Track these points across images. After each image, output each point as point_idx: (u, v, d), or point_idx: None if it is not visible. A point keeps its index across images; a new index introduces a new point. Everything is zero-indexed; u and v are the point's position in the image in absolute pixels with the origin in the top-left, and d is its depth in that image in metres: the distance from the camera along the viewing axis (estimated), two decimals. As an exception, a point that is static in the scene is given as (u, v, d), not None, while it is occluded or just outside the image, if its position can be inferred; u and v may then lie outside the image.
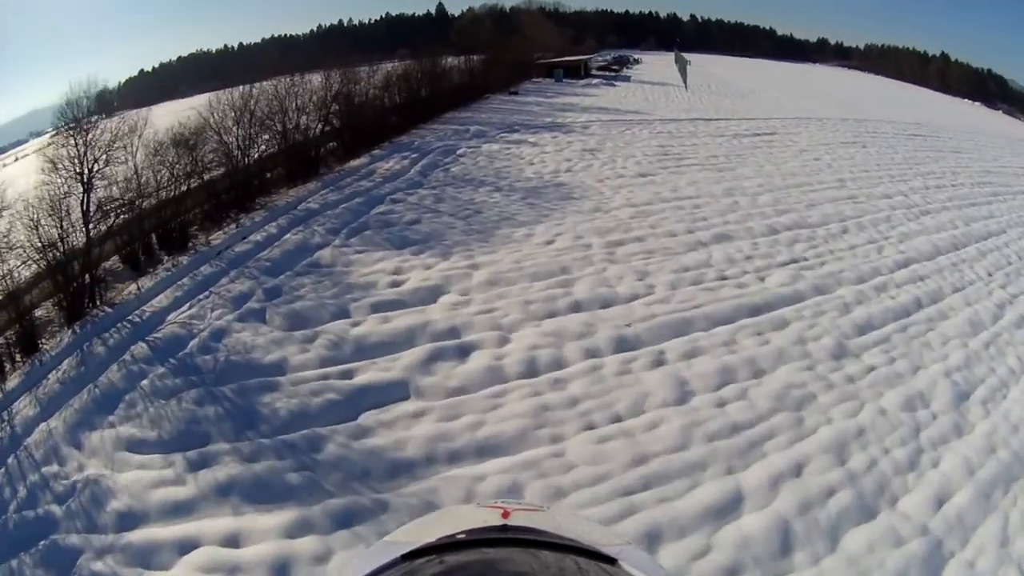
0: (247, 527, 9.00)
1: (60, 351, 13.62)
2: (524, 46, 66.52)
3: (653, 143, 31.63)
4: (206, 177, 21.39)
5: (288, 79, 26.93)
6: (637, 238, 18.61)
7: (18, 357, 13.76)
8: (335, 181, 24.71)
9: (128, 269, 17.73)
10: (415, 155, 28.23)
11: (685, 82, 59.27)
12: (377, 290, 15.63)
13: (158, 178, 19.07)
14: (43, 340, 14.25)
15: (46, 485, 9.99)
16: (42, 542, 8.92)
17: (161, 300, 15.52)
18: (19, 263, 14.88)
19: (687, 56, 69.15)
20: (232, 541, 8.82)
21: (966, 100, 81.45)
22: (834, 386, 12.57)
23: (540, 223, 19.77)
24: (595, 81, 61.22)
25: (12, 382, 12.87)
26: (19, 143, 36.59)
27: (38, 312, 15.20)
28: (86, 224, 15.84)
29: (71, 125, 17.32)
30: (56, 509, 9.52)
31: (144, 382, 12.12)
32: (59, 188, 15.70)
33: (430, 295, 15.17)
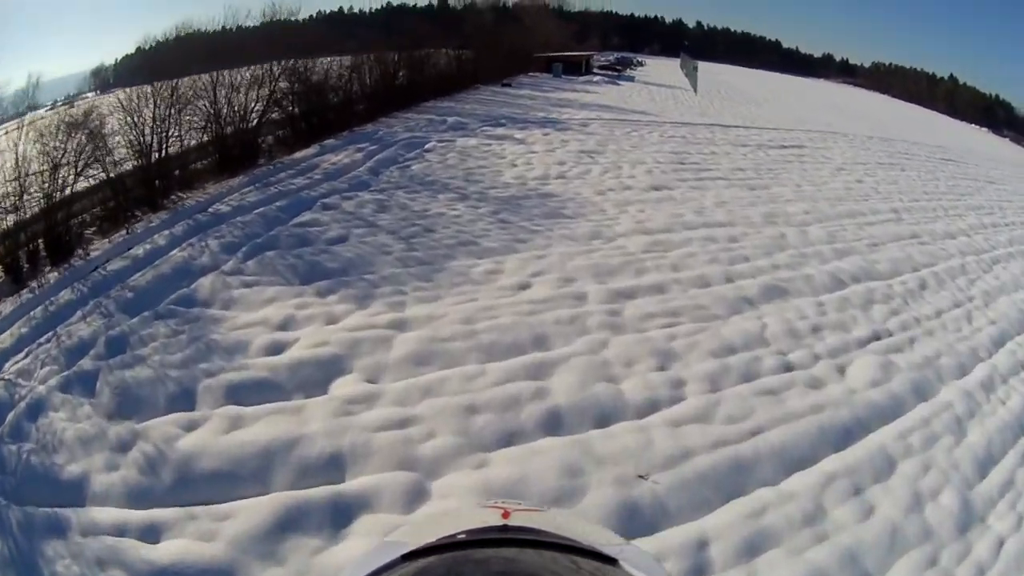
0: None
1: None
2: (523, 39, 61.01)
3: (665, 148, 25.62)
4: (117, 169, 16.18)
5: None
6: (654, 286, 12.49)
7: None
8: (266, 176, 18.81)
9: (9, 281, 12.71)
10: (373, 147, 22.13)
11: (695, 86, 53.26)
12: (247, 357, 9.56)
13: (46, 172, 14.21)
14: None
15: None
16: None
17: (4, 339, 10.22)
18: None
19: (695, 61, 63.03)
20: None
21: (973, 125, 77.66)
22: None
23: (513, 253, 13.64)
24: (596, 78, 55.24)
25: None
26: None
27: None
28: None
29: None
30: None
31: None
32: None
33: (320, 376, 9.04)
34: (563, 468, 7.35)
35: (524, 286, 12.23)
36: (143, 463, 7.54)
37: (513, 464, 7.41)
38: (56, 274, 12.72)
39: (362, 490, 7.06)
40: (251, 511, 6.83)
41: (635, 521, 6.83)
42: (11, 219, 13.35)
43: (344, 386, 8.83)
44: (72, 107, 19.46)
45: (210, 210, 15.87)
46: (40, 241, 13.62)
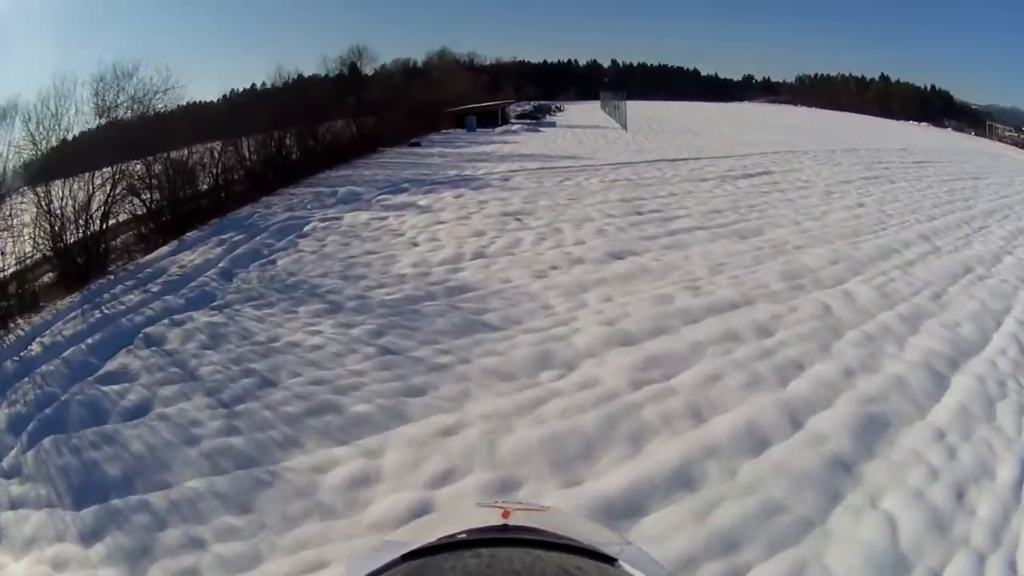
0: None
1: None
2: (433, 96, 56.43)
3: (612, 196, 20.06)
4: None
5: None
6: (674, 476, 6.28)
7: None
8: (102, 291, 13.86)
9: None
10: (240, 236, 16.80)
11: (624, 122, 48.74)
12: None
13: None
14: None
15: None
16: None
17: None
18: None
19: (619, 98, 58.95)
20: None
21: (911, 122, 75.67)
22: None
23: (400, 425, 7.50)
24: (515, 127, 50.54)
25: None
26: None
27: None
28: None
29: None
30: None
31: None
32: None
33: None
34: None
35: (416, 512, 5.97)
36: None
37: None
38: None
39: None
40: None
41: None
42: None
43: None
44: None
45: (22, 353, 11.06)
46: None
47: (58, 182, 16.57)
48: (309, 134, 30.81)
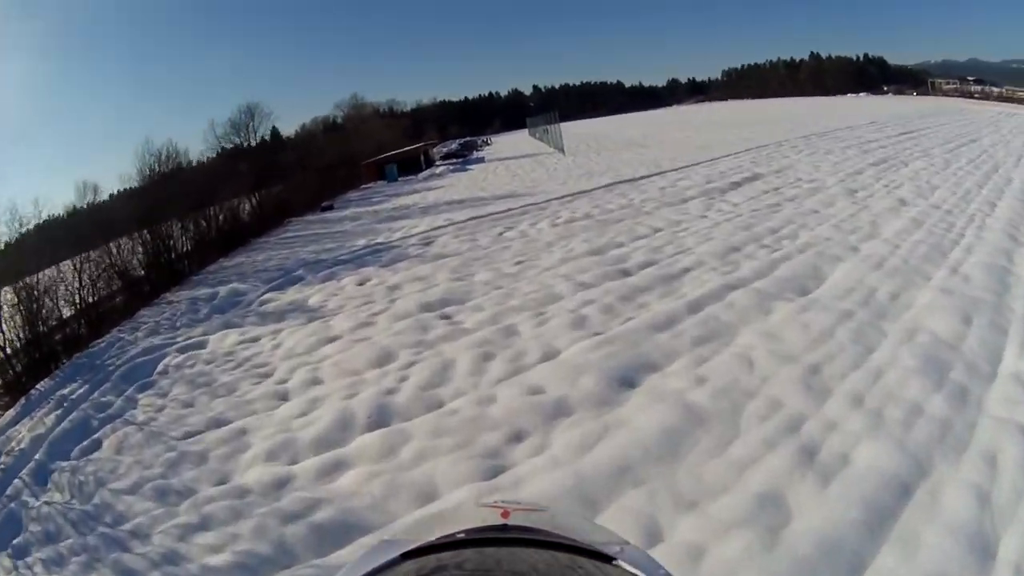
0: None
1: None
2: (350, 149, 51.11)
3: (575, 246, 14.37)
4: None
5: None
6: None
7: None
8: None
9: None
10: (83, 387, 11.60)
11: (560, 146, 43.38)
12: None
13: None
14: None
15: None
16: None
17: None
18: None
19: (547, 120, 53.77)
20: None
21: (849, 95, 73.09)
22: None
23: None
24: (440, 170, 44.69)
25: None
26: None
27: None
28: None
29: None
30: None
31: None
32: None
33: None
34: None
35: None
36: None
37: None
38: None
39: None
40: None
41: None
42: None
43: None
44: None
45: None
46: None
47: None
48: (196, 220, 24.84)
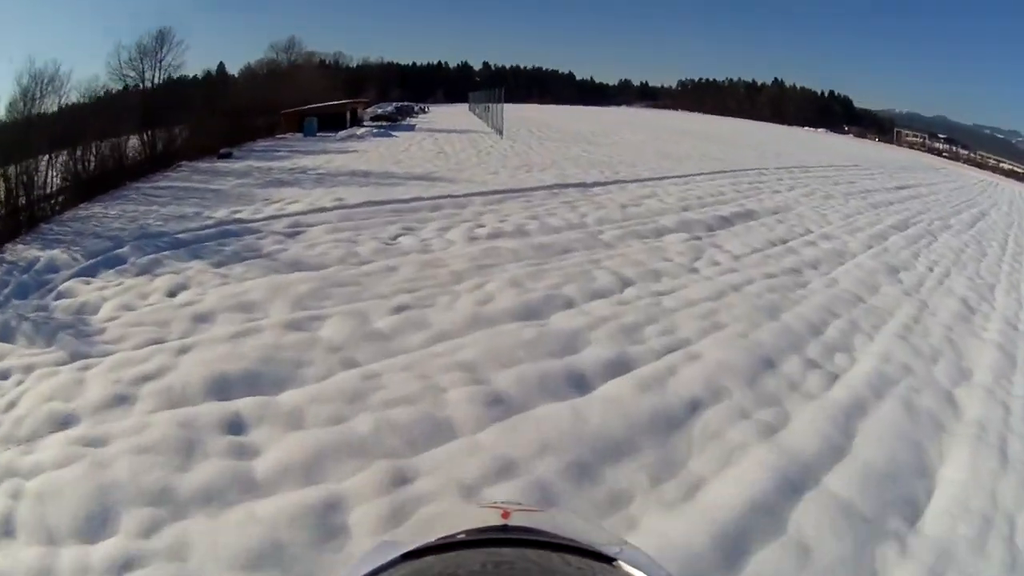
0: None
1: None
2: (274, 96, 44.09)
3: (498, 294, 8.56)
4: None
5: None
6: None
7: None
8: None
9: None
10: None
11: (499, 127, 37.23)
12: None
13: None
14: None
15: None
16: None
17: None
18: None
19: (490, 97, 47.52)
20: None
21: (807, 128, 70.40)
22: None
23: None
24: (362, 131, 37.85)
25: None
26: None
27: None
28: None
29: None
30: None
31: None
32: None
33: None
34: None
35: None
36: None
37: None
38: None
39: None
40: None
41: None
42: None
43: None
44: None
45: None
46: None
47: None
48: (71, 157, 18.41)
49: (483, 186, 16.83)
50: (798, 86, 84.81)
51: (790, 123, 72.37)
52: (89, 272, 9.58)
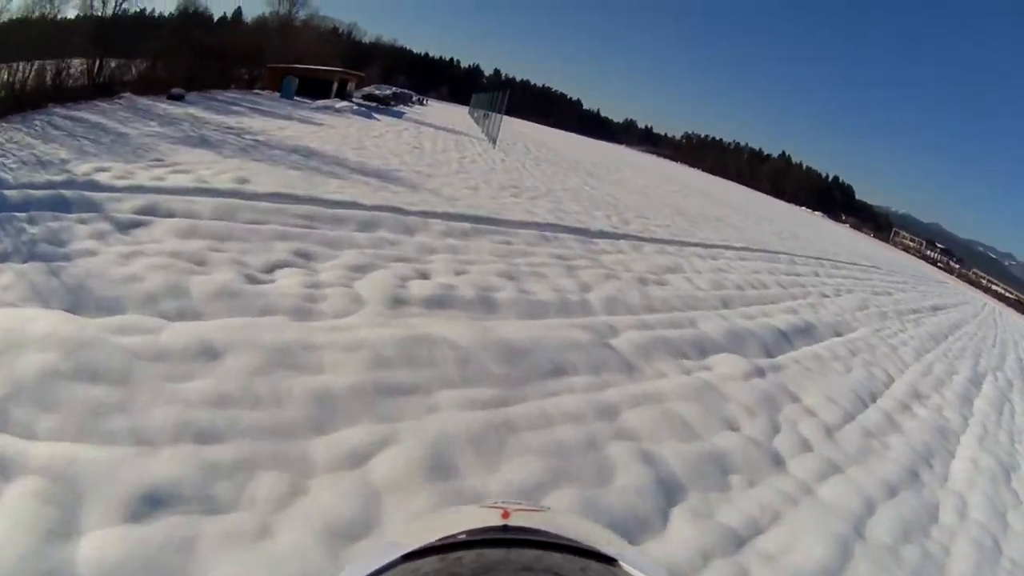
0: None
1: None
2: (263, 48, 39.25)
3: (398, 507, 3.46)
4: None
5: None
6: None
7: None
8: None
9: None
10: None
11: (493, 135, 32.27)
12: None
13: None
14: None
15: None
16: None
17: None
18: None
19: (492, 103, 42.68)
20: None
21: (804, 209, 67.64)
22: None
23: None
24: (341, 105, 32.64)
25: None
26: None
27: None
28: None
29: None
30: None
31: None
32: None
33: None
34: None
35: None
36: None
37: None
38: None
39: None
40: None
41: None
42: None
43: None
44: None
45: None
46: None
47: None
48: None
49: (451, 204, 11.89)
50: (804, 165, 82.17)
51: (787, 200, 69.58)
52: None
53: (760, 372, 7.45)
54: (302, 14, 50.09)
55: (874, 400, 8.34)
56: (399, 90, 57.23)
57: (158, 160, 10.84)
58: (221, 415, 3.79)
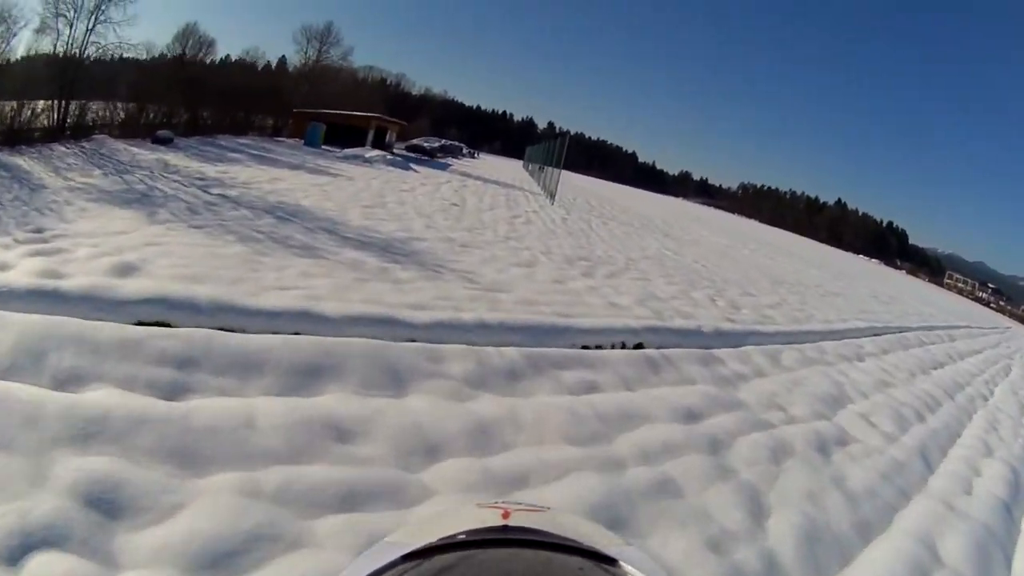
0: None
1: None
2: (293, 94, 37.27)
3: None
4: None
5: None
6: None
7: None
8: None
9: None
10: None
11: (552, 190, 27.86)
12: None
13: None
14: None
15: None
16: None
17: None
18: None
19: (549, 154, 38.62)
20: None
21: (861, 256, 63.52)
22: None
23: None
24: (372, 154, 28.68)
25: None
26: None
27: None
28: None
29: None
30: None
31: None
32: None
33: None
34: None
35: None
36: None
37: None
38: None
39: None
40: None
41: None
42: None
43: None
44: None
45: None
46: None
47: None
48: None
49: (491, 302, 7.37)
50: (860, 211, 77.87)
51: (846, 248, 66.08)
52: None
53: None
54: (333, 54, 46.78)
55: None
56: (448, 142, 53.85)
57: (38, 231, 6.89)
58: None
